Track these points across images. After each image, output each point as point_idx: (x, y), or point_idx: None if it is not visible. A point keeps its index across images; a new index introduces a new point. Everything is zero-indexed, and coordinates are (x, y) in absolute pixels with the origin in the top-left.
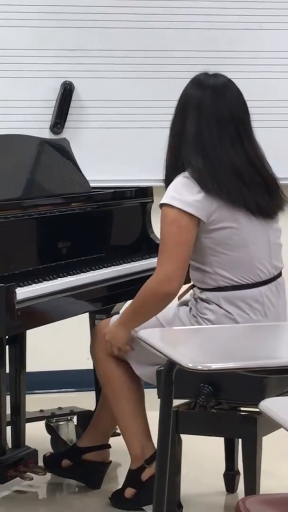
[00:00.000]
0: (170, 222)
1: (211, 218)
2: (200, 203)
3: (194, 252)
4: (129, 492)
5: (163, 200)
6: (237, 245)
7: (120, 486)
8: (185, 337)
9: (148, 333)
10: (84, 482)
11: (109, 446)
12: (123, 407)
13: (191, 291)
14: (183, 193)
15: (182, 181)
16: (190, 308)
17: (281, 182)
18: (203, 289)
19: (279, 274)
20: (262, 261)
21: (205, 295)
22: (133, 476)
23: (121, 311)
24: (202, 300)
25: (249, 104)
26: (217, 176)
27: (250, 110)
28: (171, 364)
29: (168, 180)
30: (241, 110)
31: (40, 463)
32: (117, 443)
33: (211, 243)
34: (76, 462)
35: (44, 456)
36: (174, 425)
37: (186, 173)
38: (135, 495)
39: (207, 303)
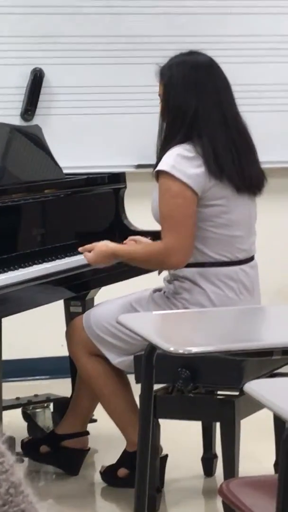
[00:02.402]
0: (176, 195)
1: (205, 193)
2: (199, 177)
3: None
4: (123, 472)
5: (162, 167)
6: (222, 223)
7: (97, 472)
8: (165, 321)
9: (127, 318)
10: (62, 469)
11: (88, 433)
12: (112, 402)
13: (166, 273)
14: (183, 164)
15: (182, 152)
16: (164, 292)
17: None
18: None
19: (253, 257)
20: (242, 241)
21: (181, 271)
22: (128, 458)
23: (95, 298)
24: (177, 278)
25: None
26: (217, 153)
27: None
28: (152, 348)
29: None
30: (229, 86)
31: (18, 450)
32: (94, 429)
33: (198, 218)
34: (55, 449)
35: (22, 441)
36: (152, 410)
37: (186, 146)
38: (127, 476)
39: (182, 281)
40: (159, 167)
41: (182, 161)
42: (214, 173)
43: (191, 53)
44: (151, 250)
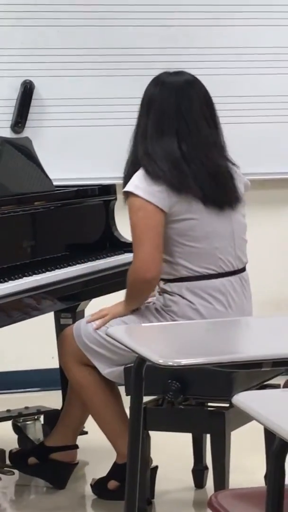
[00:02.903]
0: (137, 210)
1: (173, 209)
2: (161, 193)
3: None
4: (113, 484)
5: (127, 188)
6: (199, 236)
7: (88, 485)
8: (154, 334)
9: (117, 330)
10: (49, 481)
11: (77, 447)
12: (102, 413)
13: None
14: (145, 183)
15: (143, 173)
16: (154, 303)
17: (244, 177)
18: (166, 280)
19: (244, 269)
20: (225, 252)
21: (168, 286)
22: (118, 470)
23: (85, 310)
24: (166, 292)
25: (214, 99)
26: (160, 168)
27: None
28: (141, 360)
29: (127, 177)
30: (192, 106)
31: (8, 462)
32: (85, 442)
33: (173, 234)
34: (43, 461)
35: (10, 451)
36: (142, 422)
37: (148, 165)
38: (118, 488)
39: (171, 295)
40: (125, 188)
41: (145, 180)
42: (174, 189)
43: (172, 74)
44: (128, 277)
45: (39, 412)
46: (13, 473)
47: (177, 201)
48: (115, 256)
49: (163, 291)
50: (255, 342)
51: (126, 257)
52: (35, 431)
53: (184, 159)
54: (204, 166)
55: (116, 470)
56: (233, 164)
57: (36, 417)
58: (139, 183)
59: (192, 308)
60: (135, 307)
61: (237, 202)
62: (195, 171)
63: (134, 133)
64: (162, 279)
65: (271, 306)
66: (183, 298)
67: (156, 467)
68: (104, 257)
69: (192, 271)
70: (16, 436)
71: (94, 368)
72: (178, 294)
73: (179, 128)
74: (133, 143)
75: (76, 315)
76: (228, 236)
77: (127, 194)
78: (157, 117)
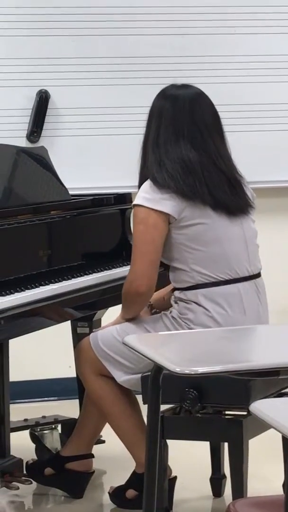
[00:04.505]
0: (139, 222)
1: (182, 214)
2: (169, 201)
3: (170, 250)
4: (131, 493)
5: (134, 201)
6: (211, 240)
7: (105, 494)
8: (171, 342)
9: (134, 339)
10: (66, 491)
11: (92, 456)
12: (121, 423)
13: (172, 296)
14: (151, 193)
15: (149, 183)
16: (171, 311)
17: (251, 186)
18: (182, 289)
19: (258, 274)
20: (239, 257)
21: (184, 294)
22: (137, 479)
23: (102, 319)
24: (182, 300)
25: (222, 108)
26: (171, 174)
27: (224, 115)
28: (158, 369)
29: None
30: (204, 117)
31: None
32: (102, 450)
33: (185, 240)
34: (59, 471)
35: (26, 463)
36: (160, 430)
37: (156, 174)
38: (136, 497)
39: (187, 302)
40: (134, 202)
41: (150, 189)
42: (184, 196)
43: (180, 86)
44: (123, 288)
45: (56, 421)
46: (31, 482)
47: (187, 206)
48: None
49: (179, 300)
50: (272, 350)
51: None
52: (53, 440)
53: (199, 166)
54: (218, 174)
55: (135, 479)
56: (240, 175)
57: (53, 426)
58: (144, 193)
59: (208, 316)
60: (130, 316)
61: (248, 208)
62: (208, 178)
63: (142, 144)
64: (178, 289)
65: (285, 314)
66: (199, 305)
67: (175, 477)
68: (120, 266)
69: (207, 277)
70: (33, 446)
71: (111, 378)
72: (194, 302)
73: (193, 137)
74: (142, 154)
75: (93, 324)
76: (241, 241)
77: (133, 206)
78: (170, 126)
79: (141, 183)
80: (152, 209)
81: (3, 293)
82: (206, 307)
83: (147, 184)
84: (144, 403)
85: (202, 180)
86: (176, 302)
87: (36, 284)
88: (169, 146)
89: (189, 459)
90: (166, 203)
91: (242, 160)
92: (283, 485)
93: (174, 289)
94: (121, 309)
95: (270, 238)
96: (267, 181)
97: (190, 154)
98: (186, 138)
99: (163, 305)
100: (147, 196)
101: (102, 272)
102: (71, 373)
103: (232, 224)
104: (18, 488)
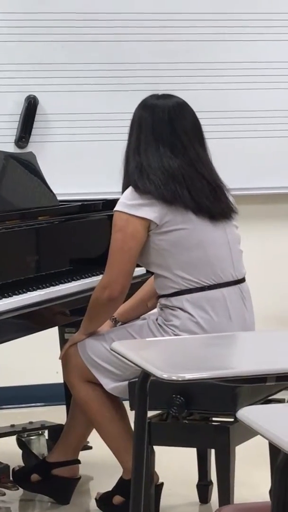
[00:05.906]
0: (117, 230)
1: (164, 219)
2: (150, 207)
3: (153, 257)
4: (118, 499)
5: (115, 208)
6: (193, 245)
7: (92, 500)
8: (158, 348)
9: (121, 345)
10: (53, 497)
11: (79, 462)
12: (108, 429)
13: (158, 303)
14: (132, 199)
15: (131, 189)
16: (157, 318)
17: (233, 193)
18: (167, 296)
19: (243, 279)
20: (223, 262)
21: (169, 301)
22: (123, 485)
23: None
24: (167, 307)
25: (207, 115)
26: (152, 180)
27: (211, 121)
28: (145, 375)
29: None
30: (183, 125)
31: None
32: (89, 456)
33: (167, 245)
34: (45, 477)
35: (13, 470)
36: (147, 436)
37: (137, 181)
38: (122, 503)
39: (172, 309)
40: (115, 208)
41: (132, 196)
42: (165, 201)
43: (160, 96)
44: (93, 294)
45: (43, 427)
46: (18, 488)
47: (169, 211)
48: None
49: (164, 306)
50: (259, 357)
51: None
52: (40, 446)
53: (180, 171)
54: (199, 179)
55: (122, 486)
56: (221, 181)
57: (40, 432)
58: (125, 200)
59: (193, 322)
60: (94, 327)
61: (231, 213)
62: (190, 183)
63: (125, 153)
64: (163, 296)
65: (276, 320)
66: (184, 311)
67: (162, 484)
68: None
69: (191, 282)
70: (20, 452)
71: (98, 384)
72: (179, 308)
73: (173, 145)
74: (125, 163)
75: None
76: (224, 246)
77: (114, 212)
78: (151, 135)
79: (124, 190)
80: (133, 215)
81: None
82: (191, 312)
83: (129, 190)
84: (131, 409)
85: (183, 185)
86: (161, 309)
87: (24, 289)
88: (150, 153)
89: (176, 465)
90: (147, 209)
91: (225, 167)
92: (270, 492)
93: (159, 296)
94: (84, 322)
95: (254, 244)
96: (250, 188)
97: (170, 161)
98: (167, 146)
99: (127, 317)
100: (127, 203)
101: (89, 278)
102: (59, 378)
103: (215, 229)
104: (4, 494)
